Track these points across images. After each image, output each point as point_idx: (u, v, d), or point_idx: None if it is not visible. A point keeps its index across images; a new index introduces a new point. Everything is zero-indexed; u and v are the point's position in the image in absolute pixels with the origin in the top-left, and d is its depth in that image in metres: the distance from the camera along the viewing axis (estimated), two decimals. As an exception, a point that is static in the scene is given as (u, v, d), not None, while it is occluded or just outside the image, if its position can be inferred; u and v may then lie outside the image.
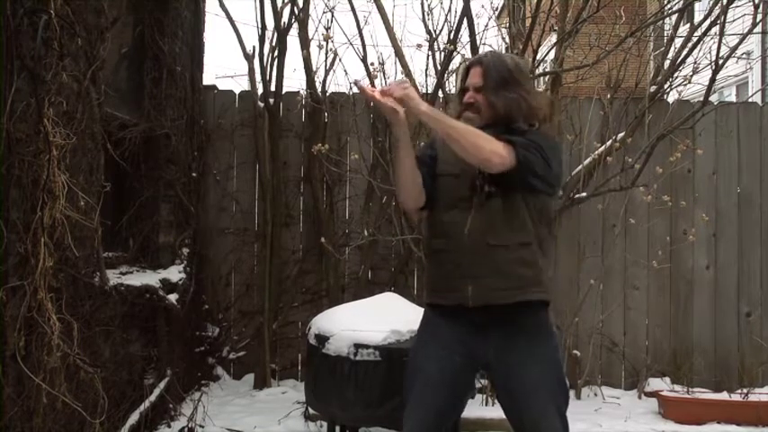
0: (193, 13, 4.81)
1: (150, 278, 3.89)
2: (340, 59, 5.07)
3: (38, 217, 2.59)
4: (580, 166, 4.87)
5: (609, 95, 5.04)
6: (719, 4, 4.82)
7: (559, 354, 2.40)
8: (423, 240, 2.54)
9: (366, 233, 4.92)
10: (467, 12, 4.50)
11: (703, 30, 4.89)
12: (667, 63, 5.12)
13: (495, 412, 3.96)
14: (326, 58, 5.02)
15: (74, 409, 2.75)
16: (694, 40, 4.92)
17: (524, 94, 2.33)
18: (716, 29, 4.81)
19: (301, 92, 5.21)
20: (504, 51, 5.12)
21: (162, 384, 3.98)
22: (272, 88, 4.99)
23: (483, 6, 5.84)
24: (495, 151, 2.16)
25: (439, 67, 4.82)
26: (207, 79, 5.21)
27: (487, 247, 2.23)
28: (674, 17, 5.20)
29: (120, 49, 3.87)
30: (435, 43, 4.85)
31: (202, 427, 3.95)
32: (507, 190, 2.25)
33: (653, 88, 5.04)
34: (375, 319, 3.32)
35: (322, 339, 3.32)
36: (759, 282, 5.11)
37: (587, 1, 4.62)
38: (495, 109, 2.30)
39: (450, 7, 4.78)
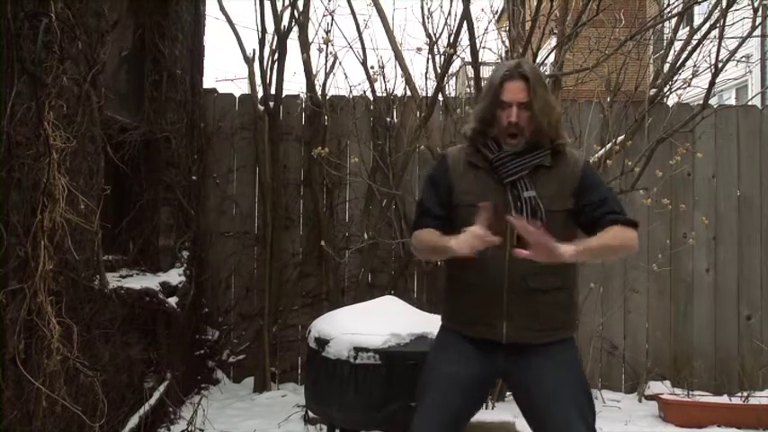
0: (193, 16, 4.82)
1: (150, 281, 3.89)
2: (340, 63, 5.09)
3: (38, 220, 2.59)
4: (580, 170, 4.86)
5: (609, 98, 5.04)
6: (719, 8, 4.82)
7: (579, 360, 2.34)
8: (446, 267, 2.41)
9: (366, 236, 4.92)
10: (467, 15, 4.50)
11: (703, 33, 4.90)
12: (667, 66, 5.12)
13: (496, 415, 3.96)
14: (326, 61, 5.04)
15: (73, 413, 2.75)
16: (694, 43, 4.92)
17: (554, 104, 2.29)
18: (715, 32, 4.81)
19: (301, 95, 5.22)
20: (504, 55, 5.13)
21: (161, 388, 3.97)
22: (272, 91, 5.00)
23: (483, 10, 5.81)
24: (633, 239, 2.21)
25: (439, 71, 4.82)
26: (207, 82, 5.22)
27: (527, 290, 2.19)
28: (674, 20, 5.20)
29: (120, 52, 3.87)
30: (435, 47, 4.85)
31: (202, 430, 3.94)
32: (552, 234, 2.16)
33: (653, 91, 5.04)
34: (375, 323, 3.32)
35: (322, 342, 3.31)
36: (759, 285, 5.11)
37: (587, 4, 4.62)
38: (540, 127, 2.22)
39: (449, 11, 4.78)
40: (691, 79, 5.00)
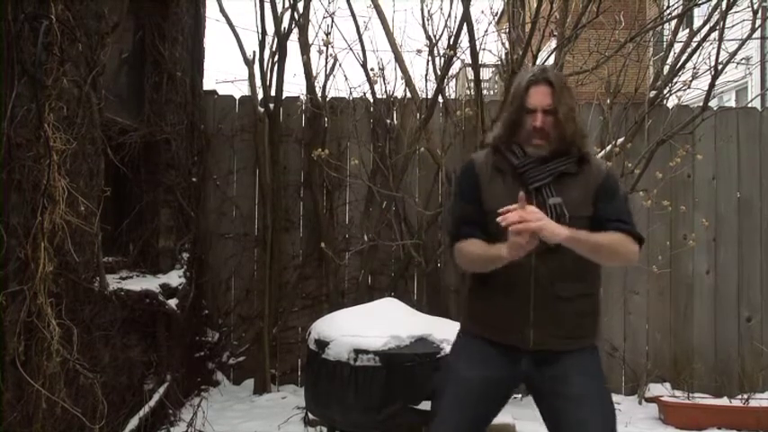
0: (194, 18, 4.82)
1: (150, 283, 3.89)
2: (340, 65, 5.09)
3: (38, 222, 2.59)
4: (580, 171, 4.87)
5: (608, 100, 5.05)
6: (719, 10, 4.83)
7: (602, 368, 2.32)
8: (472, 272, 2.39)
9: (366, 238, 4.92)
10: (466, 17, 4.51)
11: (702, 35, 4.90)
12: (667, 68, 5.12)
13: (496, 417, 3.95)
14: (326, 63, 5.04)
15: (73, 415, 2.75)
16: (693, 45, 4.93)
17: (578, 111, 2.27)
18: (715, 34, 4.82)
19: (301, 97, 5.22)
20: (504, 56, 5.13)
21: (161, 389, 3.97)
22: (273, 93, 5.00)
23: (483, 12, 5.85)
24: (634, 252, 2.20)
25: (439, 73, 4.83)
26: (207, 84, 5.22)
27: (555, 298, 2.19)
28: (674, 22, 5.21)
29: (120, 54, 3.87)
30: (435, 48, 4.86)
31: (202, 432, 3.94)
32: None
33: (652, 93, 5.04)
34: (375, 325, 3.32)
35: (322, 344, 3.31)
36: (759, 286, 5.11)
37: (587, 6, 4.63)
38: (564, 134, 2.20)
39: (449, 13, 4.80)
40: (690, 81, 5.00)
